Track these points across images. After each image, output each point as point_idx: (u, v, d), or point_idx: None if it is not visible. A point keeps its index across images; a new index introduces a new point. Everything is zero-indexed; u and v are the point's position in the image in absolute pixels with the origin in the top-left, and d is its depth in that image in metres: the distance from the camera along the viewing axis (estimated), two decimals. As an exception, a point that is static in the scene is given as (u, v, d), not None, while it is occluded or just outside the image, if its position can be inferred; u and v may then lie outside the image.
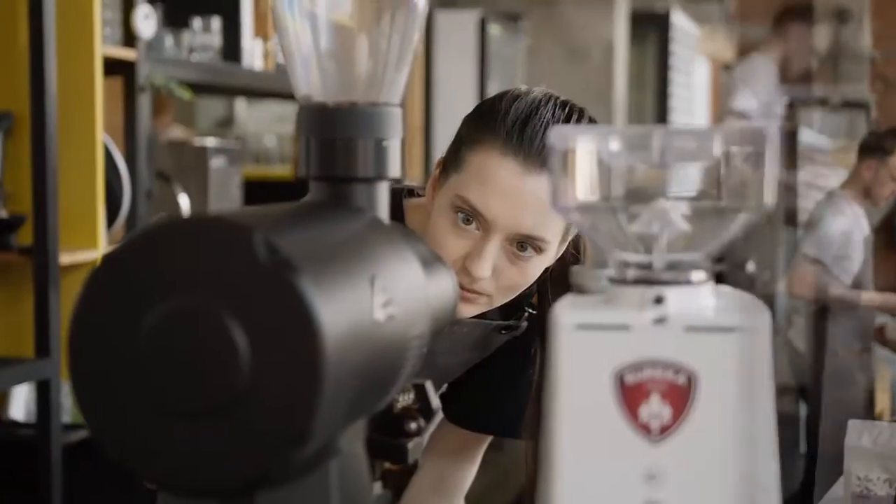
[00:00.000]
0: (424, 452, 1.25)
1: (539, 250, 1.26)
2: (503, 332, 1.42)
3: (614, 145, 0.73)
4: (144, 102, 2.71)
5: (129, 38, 2.70)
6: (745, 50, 9.92)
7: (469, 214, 1.25)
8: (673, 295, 0.70)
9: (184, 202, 2.91)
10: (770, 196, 0.71)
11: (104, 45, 2.59)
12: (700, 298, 0.71)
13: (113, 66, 2.67)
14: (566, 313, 0.70)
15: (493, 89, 5.66)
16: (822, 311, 4.34)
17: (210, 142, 3.17)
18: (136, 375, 0.63)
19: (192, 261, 0.64)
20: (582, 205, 0.74)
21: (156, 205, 2.83)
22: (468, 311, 1.30)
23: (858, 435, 1.87)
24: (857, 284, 4.27)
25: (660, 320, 0.69)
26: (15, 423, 2.65)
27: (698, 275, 0.72)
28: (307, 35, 0.84)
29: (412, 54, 0.86)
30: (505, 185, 1.23)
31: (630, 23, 6.17)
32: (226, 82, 3.18)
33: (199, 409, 0.62)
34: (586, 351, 0.70)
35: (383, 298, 0.72)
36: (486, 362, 1.47)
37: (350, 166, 0.83)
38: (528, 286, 1.31)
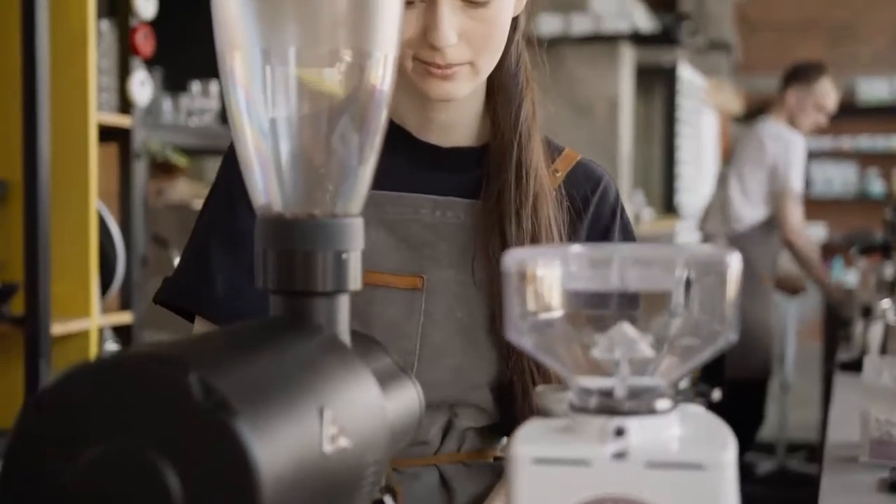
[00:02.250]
0: None
1: None
2: None
3: (572, 268, 0.70)
4: (140, 169, 2.70)
5: (126, 105, 2.69)
6: (752, 101, 9.95)
7: None
8: (635, 426, 0.67)
9: (180, 267, 2.88)
10: (733, 323, 0.69)
11: (100, 112, 2.59)
12: (664, 429, 0.68)
13: (109, 132, 2.66)
14: (524, 446, 0.68)
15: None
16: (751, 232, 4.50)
17: (209, 204, 3.15)
18: (66, 523, 0.61)
19: (125, 401, 0.61)
20: (539, 329, 0.71)
21: (151, 270, 2.81)
22: (456, 88, 1.22)
23: (877, 372, 1.70)
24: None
25: (620, 455, 0.66)
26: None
27: (662, 403, 0.69)
28: (266, 144, 0.82)
29: (373, 164, 0.84)
30: None
31: (636, 76, 6.17)
32: (224, 146, 3.17)
33: (128, 560, 0.59)
34: (545, 486, 0.67)
35: (334, 430, 0.69)
36: None
37: (309, 280, 0.81)
38: (505, 35, 1.23)
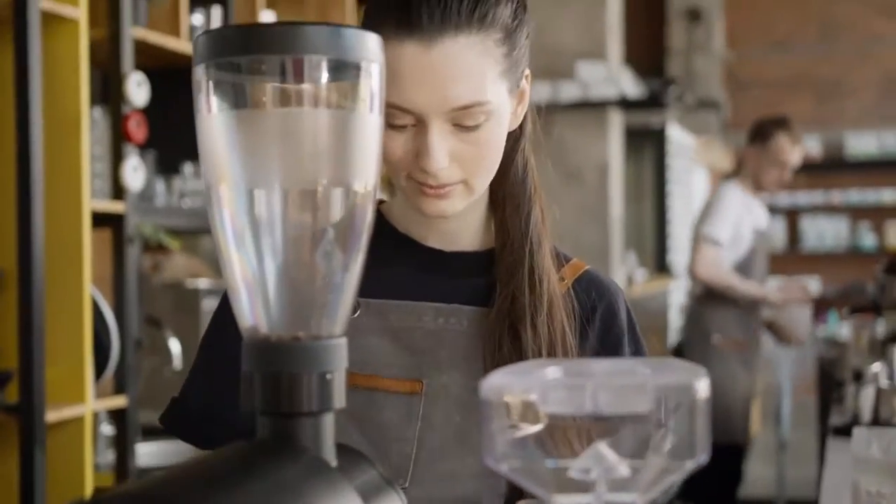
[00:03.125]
0: None
1: (486, 115, 1.17)
2: None
3: (548, 392, 0.73)
4: (133, 253, 2.73)
5: (119, 190, 2.73)
6: (741, 158, 10.04)
7: (397, 114, 1.16)
8: (612, 545, 0.70)
9: (175, 348, 2.91)
10: (705, 444, 0.71)
11: (94, 199, 2.62)
12: (640, 550, 0.70)
13: (102, 218, 2.69)
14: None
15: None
16: (705, 296, 4.52)
17: (203, 283, 3.18)
18: None
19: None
20: (516, 452, 0.74)
21: (146, 352, 2.83)
22: (450, 206, 1.21)
23: (866, 443, 1.69)
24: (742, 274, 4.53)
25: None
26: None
27: (638, 523, 0.71)
28: (251, 270, 0.85)
29: (356, 286, 0.86)
30: (413, 70, 1.14)
31: (625, 138, 6.24)
32: (217, 226, 3.20)
33: None
34: None
35: (319, 556, 0.71)
36: None
37: (294, 401, 0.83)
38: (500, 154, 1.22)
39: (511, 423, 0.73)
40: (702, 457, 0.71)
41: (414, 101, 1.14)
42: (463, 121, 1.17)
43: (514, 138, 1.28)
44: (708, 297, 4.48)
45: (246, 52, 0.81)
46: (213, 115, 0.82)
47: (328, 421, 0.84)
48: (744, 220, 4.49)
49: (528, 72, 1.26)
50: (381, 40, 1.18)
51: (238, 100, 0.82)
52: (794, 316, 4.75)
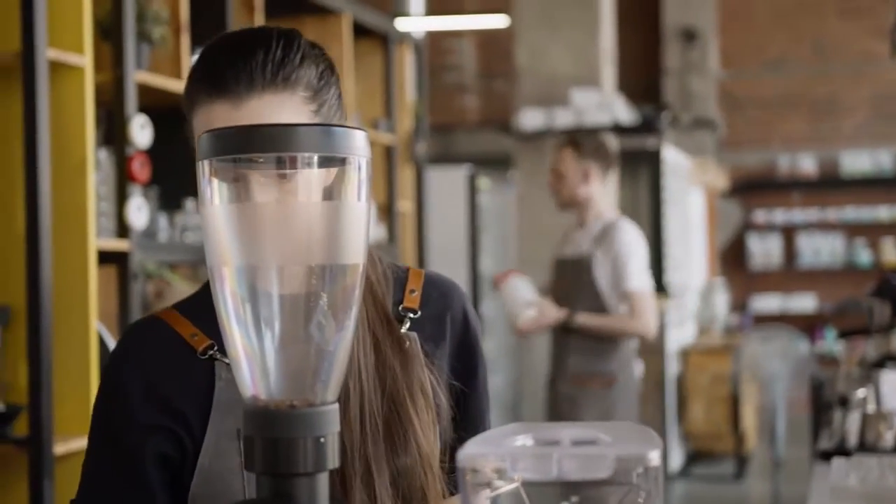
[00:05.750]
0: None
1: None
2: None
3: (518, 462, 0.81)
4: (137, 289, 2.82)
5: (123, 229, 2.81)
6: (737, 177, 10.14)
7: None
8: None
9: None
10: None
11: (99, 238, 2.71)
12: None
13: (108, 256, 2.78)
14: None
15: (485, 239, 5.79)
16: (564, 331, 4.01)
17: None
18: None
19: None
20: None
21: (150, 384, 2.91)
22: None
23: (845, 473, 1.72)
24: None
25: None
26: None
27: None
28: (251, 346, 0.93)
29: (346, 358, 0.95)
30: (222, 126, 1.11)
31: (621, 161, 6.31)
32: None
33: None
34: None
35: None
36: None
37: (291, 464, 0.92)
38: None
39: (484, 488, 0.82)
40: (658, 515, 0.80)
41: None
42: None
43: None
44: None
45: (244, 150, 0.90)
46: (215, 206, 0.91)
47: (323, 480, 0.93)
48: None
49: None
50: (198, 102, 1.25)
51: (238, 193, 0.91)
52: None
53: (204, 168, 0.91)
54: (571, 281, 3.97)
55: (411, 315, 1.34)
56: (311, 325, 0.94)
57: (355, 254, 0.93)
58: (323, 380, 0.94)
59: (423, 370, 1.31)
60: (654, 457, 0.79)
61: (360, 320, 1.29)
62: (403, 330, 1.33)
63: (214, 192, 0.91)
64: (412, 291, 1.37)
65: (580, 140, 4.09)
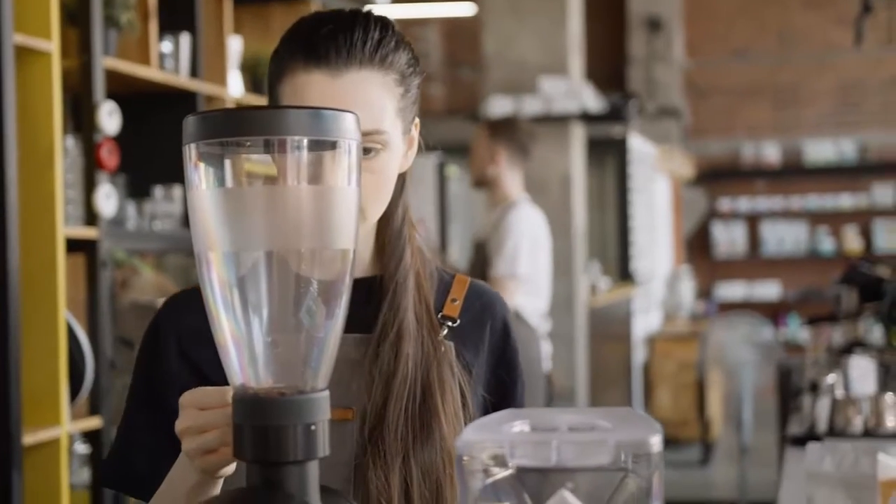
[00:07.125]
0: None
1: (383, 144, 1.25)
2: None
3: (516, 448, 0.80)
4: (106, 277, 2.78)
5: (92, 217, 2.77)
6: (702, 164, 10.18)
7: None
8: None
9: (147, 369, 2.95)
10: (660, 494, 0.79)
11: (67, 226, 2.67)
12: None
13: (76, 244, 2.74)
14: None
15: (454, 228, 5.78)
16: None
17: (172, 302, 3.23)
18: None
19: None
20: (488, 496, 0.81)
21: (119, 373, 2.88)
22: None
23: (820, 458, 1.72)
24: None
25: None
26: None
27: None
28: (239, 332, 0.92)
29: (335, 344, 0.93)
30: (321, 96, 1.22)
31: (587, 149, 6.33)
32: (188, 248, 3.26)
33: None
34: None
35: None
36: None
37: (281, 452, 0.90)
38: (392, 187, 1.28)
39: (481, 477, 0.80)
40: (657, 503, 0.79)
41: None
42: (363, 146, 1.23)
43: (401, 181, 1.34)
44: None
45: (232, 133, 0.88)
46: (202, 191, 0.89)
47: (313, 468, 0.91)
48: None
49: (418, 121, 1.34)
50: (289, 69, 1.26)
51: (225, 177, 0.89)
52: None
53: (190, 152, 0.89)
54: (476, 263, 4.07)
55: (449, 324, 1.34)
56: (300, 312, 0.92)
57: (346, 239, 0.92)
58: (313, 367, 0.92)
59: (454, 374, 1.31)
60: (655, 442, 0.78)
61: (407, 312, 1.30)
62: (440, 338, 1.32)
63: (201, 176, 0.89)
64: (454, 300, 1.36)
65: (495, 123, 4.22)
